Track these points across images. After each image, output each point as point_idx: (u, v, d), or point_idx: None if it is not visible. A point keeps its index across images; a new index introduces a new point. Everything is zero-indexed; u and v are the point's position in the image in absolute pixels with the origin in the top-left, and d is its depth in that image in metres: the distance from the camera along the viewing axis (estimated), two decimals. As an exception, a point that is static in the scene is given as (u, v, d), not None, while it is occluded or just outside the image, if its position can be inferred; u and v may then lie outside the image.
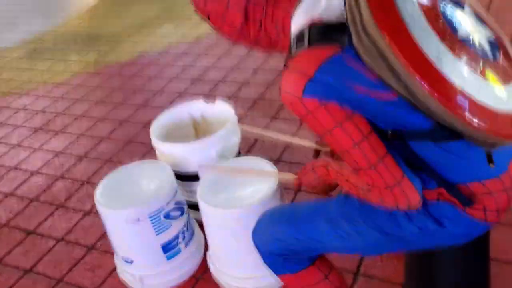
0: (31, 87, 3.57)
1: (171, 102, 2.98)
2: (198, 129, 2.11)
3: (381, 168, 0.96)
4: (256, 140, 2.42)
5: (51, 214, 2.28)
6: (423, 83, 0.84)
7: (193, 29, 3.95)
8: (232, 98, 2.84)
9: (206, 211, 1.58)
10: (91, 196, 2.29)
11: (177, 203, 1.72)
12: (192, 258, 1.82)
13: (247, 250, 1.58)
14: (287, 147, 2.35)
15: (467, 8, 1.00)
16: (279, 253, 1.23)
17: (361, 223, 1.15)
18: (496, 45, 0.98)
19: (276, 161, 2.25)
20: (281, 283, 1.53)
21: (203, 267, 1.83)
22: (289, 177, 1.32)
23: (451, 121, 0.88)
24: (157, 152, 1.98)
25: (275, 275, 1.30)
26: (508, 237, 1.68)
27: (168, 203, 1.68)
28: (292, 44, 1.00)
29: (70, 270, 1.96)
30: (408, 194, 0.97)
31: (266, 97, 2.81)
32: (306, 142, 1.41)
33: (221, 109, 2.05)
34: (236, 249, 1.61)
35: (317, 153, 1.44)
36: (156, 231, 1.67)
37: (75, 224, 2.19)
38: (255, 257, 1.59)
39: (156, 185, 1.71)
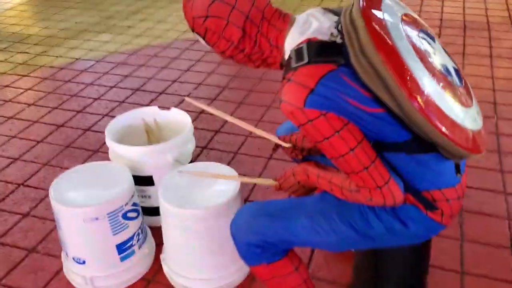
0: (-48, 85, 3.35)
1: (111, 110, 2.96)
2: (151, 135, 2.13)
3: (372, 170, 1.09)
4: (211, 139, 2.48)
5: (-17, 216, 2.16)
6: (412, 100, 0.99)
7: (133, 40, 3.95)
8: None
9: (168, 212, 1.61)
10: (28, 199, 2.24)
11: (134, 204, 1.74)
12: (144, 260, 1.83)
13: (206, 252, 1.65)
14: (243, 142, 2.44)
15: (437, 41, 1.18)
16: (256, 245, 1.31)
17: (336, 221, 1.27)
18: (459, 73, 1.17)
19: (235, 154, 2.33)
20: (244, 277, 1.60)
21: (154, 270, 1.85)
22: (269, 183, 1.41)
23: (431, 132, 1.03)
24: (111, 154, 1.97)
25: (248, 266, 1.37)
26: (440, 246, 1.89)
27: (126, 204, 1.69)
28: (292, 58, 1.10)
29: (8, 273, 1.87)
30: (394, 193, 1.12)
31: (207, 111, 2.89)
32: (268, 135, 1.49)
33: (176, 117, 2.10)
34: (195, 250, 1.65)
35: (276, 147, 1.56)
36: (113, 231, 1.67)
37: (12, 227, 2.09)
38: (212, 259, 1.67)
39: (113, 185, 1.71)
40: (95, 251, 1.69)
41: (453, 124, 1.05)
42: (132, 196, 1.72)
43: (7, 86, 3.31)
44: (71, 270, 1.77)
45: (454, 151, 1.07)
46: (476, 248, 1.89)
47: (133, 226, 1.74)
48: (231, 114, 2.85)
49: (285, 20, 1.18)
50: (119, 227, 1.68)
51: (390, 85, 1.00)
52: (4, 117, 2.94)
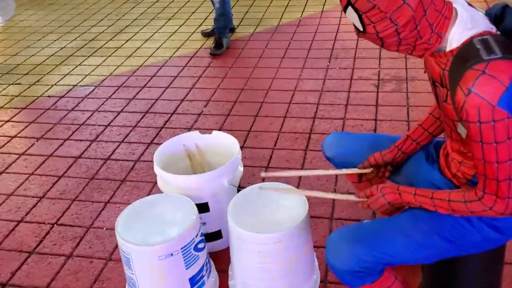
0: None
1: (125, 136, 2.90)
2: (193, 160, 2.11)
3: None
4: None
5: (24, 262, 2.07)
6: None
7: (126, 61, 3.87)
8: (192, 129, 2.86)
9: (243, 237, 1.60)
10: (66, 238, 2.17)
11: (201, 234, 1.71)
12: (214, 286, 1.80)
13: (281, 273, 1.65)
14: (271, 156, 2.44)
15: None
16: (358, 270, 1.32)
17: (432, 235, 1.30)
18: None
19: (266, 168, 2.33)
20: None
21: (221, 297, 1.83)
22: (352, 198, 1.42)
23: None
24: (160, 183, 1.93)
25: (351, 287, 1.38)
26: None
27: (197, 235, 1.66)
28: (479, 49, 1.06)
29: (70, 319, 1.81)
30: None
31: (225, 126, 2.87)
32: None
33: (217, 140, 2.08)
34: (271, 273, 1.64)
35: (360, 178, 1.58)
36: (186, 265, 1.64)
37: (59, 270, 2.02)
38: (287, 280, 1.67)
39: (180, 218, 1.68)
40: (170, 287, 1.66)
41: None
42: (200, 226, 1.70)
43: (8, 121, 3.19)
44: (141, 309, 1.72)
45: None
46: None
47: (202, 257, 1.71)
48: (250, 129, 2.84)
49: (449, 8, 1.13)
50: (191, 260, 1.65)
51: None
52: (15, 154, 2.83)
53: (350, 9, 1.12)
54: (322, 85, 3.24)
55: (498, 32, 1.13)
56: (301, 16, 4.41)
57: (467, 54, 1.09)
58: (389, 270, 1.39)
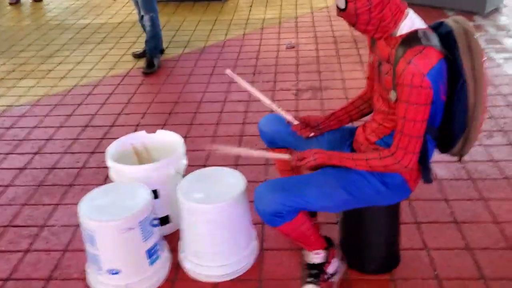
0: None
1: (68, 148, 3.08)
2: (140, 157, 2.37)
3: (419, 141, 1.54)
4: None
5: (-17, 260, 2.21)
6: (485, 92, 1.52)
7: (60, 82, 4.03)
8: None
9: (192, 209, 1.89)
10: (22, 237, 2.33)
11: (155, 213, 1.98)
12: (167, 262, 2.07)
13: (226, 239, 1.96)
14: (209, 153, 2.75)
15: None
16: (279, 212, 1.68)
17: (338, 188, 1.70)
18: None
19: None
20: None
21: (173, 271, 2.09)
22: (287, 157, 1.79)
23: (480, 101, 1.54)
24: (113, 175, 2.18)
25: (274, 228, 1.75)
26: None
27: (151, 212, 1.93)
28: (421, 37, 1.48)
29: (35, 301, 1.98)
30: (414, 162, 1.58)
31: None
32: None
33: (163, 137, 2.36)
34: (217, 240, 1.95)
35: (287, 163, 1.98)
36: (143, 238, 1.90)
37: (18, 263, 2.18)
38: (231, 245, 1.98)
39: (136, 199, 1.93)
40: (129, 259, 1.90)
41: None
42: (153, 206, 1.96)
43: None
44: (104, 284, 1.94)
45: (471, 137, 1.60)
46: (420, 203, 2.42)
47: (157, 232, 1.98)
48: (185, 136, 3.14)
49: (404, 5, 1.55)
50: (148, 234, 1.91)
51: (479, 74, 1.50)
52: (-42, 169, 2.91)
53: None
54: (249, 96, 3.62)
55: (434, 33, 1.57)
56: (225, 39, 4.81)
57: (412, 39, 1.51)
58: (303, 213, 1.76)
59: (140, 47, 4.53)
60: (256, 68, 4.09)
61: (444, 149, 1.74)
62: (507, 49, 4.29)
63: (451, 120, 1.61)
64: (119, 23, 5.46)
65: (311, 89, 3.68)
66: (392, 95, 1.56)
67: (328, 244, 1.92)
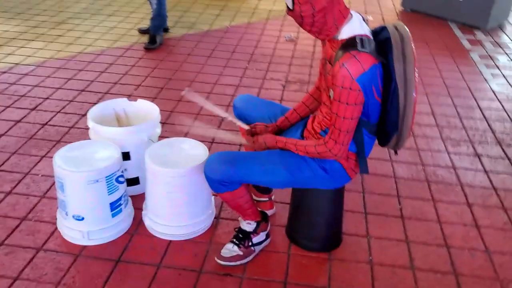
0: None
1: (62, 108, 3.31)
2: (121, 122, 2.58)
3: (348, 135, 1.74)
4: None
5: (-32, 196, 2.45)
6: (415, 95, 1.70)
7: (66, 48, 4.26)
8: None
9: (156, 172, 2.10)
10: (6, 181, 2.57)
11: (122, 171, 2.20)
12: (128, 217, 2.29)
13: (184, 202, 2.16)
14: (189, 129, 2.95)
15: None
16: (223, 181, 1.89)
17: (279, 167, 1.89)
18: None
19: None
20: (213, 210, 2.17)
21: (134, 226, 2.30)
22: (240, 141, 2.00)
23: (409, 111, 1.72)
24: (91, 135, 2.40)
25: (216, 193, 1.97)
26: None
27: (118, 170, 2.15)
28: (357, 43, 1.64)
29: (8, 236, 2.21)
30: (343, 152, 1.78)
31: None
32: (243, 125, 2.08)
33: (142, 106, 2.57)
34: (176, 202, 2.16)
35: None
36: (108, 191, 2.12)
37: (-2, 203, 2.41)
38: (188, 208, 2.18)
39: (105, 156, 2.15)
40: (93, 209, 2.12)
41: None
42: (121, 165, 2.18)
43: (-49, 88, 3.49)
44: (69, 228, 2.17)
45: (402, 135, 1.78)
46: (373, 197, 2.61)
47: (122, 189, 2.19)
48: (171, 111, 3.34)
49: (347, 11, 1.70)
50: (113, 188, 2.13)
51: (410, 78, 1.67)
52: (-42, 115, 3.16)
53: None
54: (239, 82, 3.82)
55: (372, 39, 1.72)
56: (229, 25, 5.00)
57: (349, 44, 1.67)
58: (244, 185, 1.97)
59: (147, 23, 4.74)
60: (252, 56, 4.28)
61: (382, 143, 1.93)
62: (499, 65, 4.44)
63: (387, 119, 1.80)
64: (133, -2, 5.67)
65: (300, 82, 3.87)
66: (331, 93, 1.75)
67: (262, 218, 2.13)
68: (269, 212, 2.38)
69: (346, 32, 1.71)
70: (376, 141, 1.97)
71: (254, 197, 2.37)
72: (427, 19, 5.52)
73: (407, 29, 1.74)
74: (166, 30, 4.68)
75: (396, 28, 1.74)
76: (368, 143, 1.89)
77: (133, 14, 5.16)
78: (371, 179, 2.75)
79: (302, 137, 2.05)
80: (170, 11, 5.20)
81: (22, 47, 4.25)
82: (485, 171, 2.90)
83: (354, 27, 1.71)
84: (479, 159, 3.02)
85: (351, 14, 1.74)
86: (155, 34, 4.34)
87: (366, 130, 1.84)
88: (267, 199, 2.38)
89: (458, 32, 5.18)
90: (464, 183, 2.79)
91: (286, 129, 2.13)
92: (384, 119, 1.81)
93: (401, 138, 1.83)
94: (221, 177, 1.87)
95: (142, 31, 4.64)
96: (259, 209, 2.21)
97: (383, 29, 1.77)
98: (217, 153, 1.96)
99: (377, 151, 2.96)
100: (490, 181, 2.82)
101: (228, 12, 5.36)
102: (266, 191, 2.37)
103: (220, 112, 2.15)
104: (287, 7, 1.71)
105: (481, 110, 3.63)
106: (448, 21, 5.44)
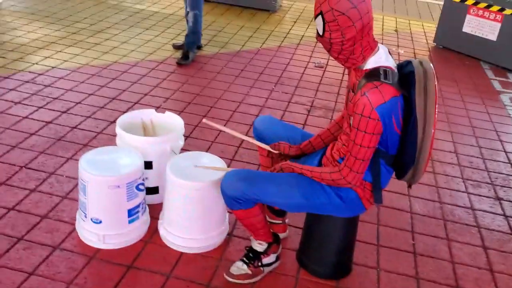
0: None
1: (93, 113, 3.42)
2: (147, 132, 2.66)
3: (363, 163, 1.76)
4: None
5: (-6, 190, 2.55)
6: (433, 130, 1.72)
7: (102, 56, 4.41)
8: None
9: (174, 183, 2.16)
10: (32, 178, 2.66)
11: (143, 179, 2.26)
12: (144, 225, 2.34)
13: (198, 216, 2.21)
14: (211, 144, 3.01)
15: None
16: (238, 198, 1.92)
17: (295, 191, 1.92)
18: None
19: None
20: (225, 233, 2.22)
21: (149, 234, 2.36)
22: (267, 148, 2.14)
23: (425, 148, 1.75)
24: (118, 142, 2.48)
25: (231, 210, 2.00)
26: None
27: (139, 178, 2.21)
28: (381, 74, 1.68)
29: (28, 231, 2.29)
30: (357, 180, 1.80)
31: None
32: (264, 145, 2.14)
33: (169, 118, 2.65)
34: (190, 214, 2.21)
35: (268, 153, 2.20)
36: (128, 198, 2.18)
37: (23, 199, 2.50)
38: (202, 222, 2.23)
39: (129, 163, 2.22)
40: (111, 213, 2.19)
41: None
42: (143, 173, 2.25)
43: (-11, 85, 3.65)
44: (86, 229, 2.23)
45: (419, 168, 1.79)
46: (387, 230, 2.61)
47: (140, 197, 2.25)
48: (196, 125, 3.42)
49: (375, 43, 1.76)
50: (132, 195, 2.19)
51: (430, 112, 1.71)
52: (-6, 111, 3.30)
53: (320, 17, 1.68)
54: (264, 102, 3.88)
55: (396, 71, 1.77)
56: (260, 47, 5.10)
57: (373, 74, 1.72)
58: (259, 205, 2.00)
59: (182, 39, 4.87)
60: (280, 79, 4.35)
61: (398, 176, 1.95)
62: (527, 111, 4.40)
63: (404, 151, 1.82)
64: (171, 14, 5.83)
65: (325, 108, 3.91)
66: (350, 120, 1.78)
67: (273, 240, 2.15)
68: (282, 235, 2.40)
69: (371, 63, 1.75)
70: (394, 174, 1.99)
71: (268, 219, 2.40)
72: (459, 57, 5.52)
73: (431, 65, 1.78)
74: (199, 47, 4.80)
75: (421, 63, 1.78)
76: (385, 174, 1.91)
77: (169, 30, 5.31)
78: (387, 212, 2.75)
79: (320, 163, 2.08)
80: (205, 30, 5.35)
81: (60, 51, 4.42)
82: (505, 216, 2.87)
83: (380, 58, 1.76)
84: (500, 203, 2.99)
85: (378, 47, 1.78)
86: (189, 50, 4.46)
87: (384, 160, 1.86)
88: (280, 221, 2.41)
89: (489, 73, 5.16)
90: (481, 225, 2.76)
91: (308, 153, 2.17)
92: (402, 151, 1.84)
93: (417, 172, 1.85)
94: (236, 194, 1.92)
95: (176, 47, 4.77)
96: (272, 231, 2.24)
97: (408, 63, 1.81)
98: (236, 170, 2.00)
99: (395, 185, 2.97)
100: (510, 226, 2.79)
101: (261, 35, 5.47)
102: (280, 214, 2.40)
103: (239, 135, 2.22)
104: (317, 32, 1.76)
105: (506, 154, 3.59)
106: (480, 61, 5.43)
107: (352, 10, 1.64)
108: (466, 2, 5.45)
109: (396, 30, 6.21)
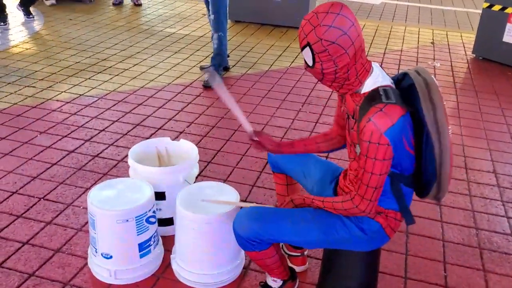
0: (-34, 111, 3.73)
1: (115, 141, 3.41)
2: (162, 160, 2.60)
3: (376, 191, 1.61)
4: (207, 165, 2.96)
5: (12, 223, 2.54)
6: (449, 140, 1.58)
7: (130, 82, 4.44)
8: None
9: (185, 216, 2.08)
10: (49, 210, 2.64)
11: (154, 211, 2.19)
12: (157, 259, 2.26)
13: (210, 250, 2.11)
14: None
15: None
16: (252, 240, 1.80)
17: (312, 227, 1.79)
18: None
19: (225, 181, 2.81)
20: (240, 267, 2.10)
21: (162, 269, 2.28)
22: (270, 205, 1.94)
23: (446, 158, 1.59)
24: (131, 172, 2.43)
25: (244, 251, 1.87)
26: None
27: (150, 210, 2.14)
28: (382, 95, 1.55)
29: (40, 267, 2.26)
30: (371, 207, 1.65)
31: (200, 144, 3.38)
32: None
33: (184, 147, 2.58)
34: (202, 249, 2.11)
35: (284, 181, 2.13)
36: (138, 231, 2.11)
37: (38, 232, 2.48)
38: (214, 257, 2.13)
39: (139, 195, 2.16)
40: (121, 248, 2.12)
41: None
42: (153, 205, 2.18)
43: (19, 115, 3.72)
44: (97, 265, 2.18)
45: (443, 183, 1.64)
46: (416, 260, 2.42)
47: (152, 230, 2.18)
48: (219, 150, 3.34)
49: (369, 64, 1.63)
50: (142, 229, 2.12)
51: (441, 123, 1.56)
52: (20, 142, 3.34)
53: (307, 49, 1.55)
54: (290, 124, 3.77)
55: (394, 87, 1.64)
56: (289, 66, 5.01)
57: (373, 96, 1.58)
58: (274, 246, 1.87)
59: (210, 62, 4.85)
60: (308, 99, 4.23)
61: (420, 195, 1.78)
62: None
63: (423, 168, 1.67)
64: (200, 36, 5.85)
65: (353, 128, 3.75)
66: (357, 149, 1.64)
67: (289, 277, 2.02)
68: (301, 268, 2.27)
69: (369, 85, 1.62)
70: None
71: (286, 251, 2.27)
72: (500, 68, 5.23)
73: (430, 73, 1.63)
74: (226, 69, 4.76)
75: (417, 73, 1.63)
76: (407, 194, 1.76)
77: (198, 52, 5.31)
78: (416, 239, 2.56)
79: (335, 193, 1.95)
80: (234, 51, 5.32)
81: (88, 78, 4.48)
82: (550, 243, 2.62)
83: (377, 78, 1.62)
84: (544, 228, 2.74)
85: (372, 67, 1.65)
86: (215, 72, 4.42)
87: (402, 183, 1.71)
88: (299, 254, 2.28)
89: (533, 84, 4.85)
90: (523, 254, 2.53)
91: (286, 152, 2.04)
92: (420, 169, 1.68)
93: (441, 188, 1.68)
94: (249, 235, 1.80)
95: (203, 69, 4.74)
96: (289, 264, 2.11)
97: (404, 75, 1.67)
98: (248, 208, 1.89)
99: (425, 210, 2.78)
100: (555, 254, 2.54)
101: (291, 53, 5.37)
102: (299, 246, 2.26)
103: (243, 121, 1.99)
104: (305, 63, 1.63)
105: (551, 173, 3.32)
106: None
107: (343, 37, 1.51)
108: (506, 11, 5.17)
109: (432, 42, 5.98)
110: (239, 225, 1.82)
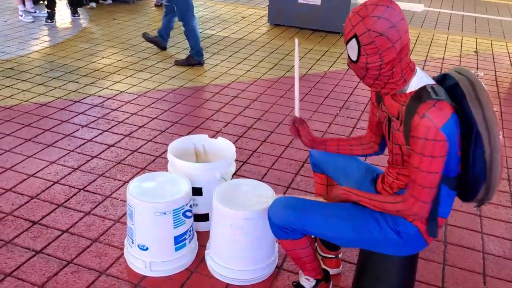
0: (13, 103, 3.86)
1: (154, 137, 3.47)
2: (199, 157, 2.63)
3: (432, 191, 1.55)
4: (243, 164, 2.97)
5: (53, 211, 2.61)
6: (500, 139, 1.53)
7: (169, 81, 4.51)
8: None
9: (222, 212, 2.08)
10: (88, 201, 2.70)
11: (191, 206, 2.21)
12: (191, 253, 2.28)
13: (247, 246, 2.11)
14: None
15: None
16: (285, 228, 1.80)
17: (345, 223, 1.76)
18: None
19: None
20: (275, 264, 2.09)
21: (196, 263, 2.29)
22: (320, 200, 1.92)
23: (495, 157, 1.53)
24: (169, 167, 2.46)
25: (277, 239, 1.88)
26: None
27: (187, 204, 2.16)
28: (430, 92, 1.51)
29: (78, 255, 2.31)
30: (426, 210, 1.59)
31: (236, 144, 3.39)
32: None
33: (221, 144, 2.60)
34: (239, 245, 2.11)
35: (325, 181, 2.13)
36: (174, 225, 2.13)
37: (77, 222, 2.54)
38: (250, 253, 2.12)
39: (177, 189, 2.18)
40: (157, 240, 2.15)
41: None
42: (190, 199, 2.20)
43: (62, 109, 3.83)
44: (133, 256, 2.21)
45: (492, 185, 1.58)
46: (455, 271, 2.35)
47: (188, 224, 2.20)
48: (255, 150, 3.35)
49: (413, 64, 1.61)
50: (179, 222, 2.14)
51: (491, 123, 1.52)
52: (62, 134, 3.44)
53: (353, 41, 1.52)
54: (327, 128, 3.74)
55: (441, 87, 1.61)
56: (328, 70, 4.98)
57: (422, 94, 1.55)
58: (307, 237, 1.86)
59: (249, 66, 4.87)
60: (345, 103, 4.19)
61: (465, 199, 1.73)
62: None
63: (471, 169, 1.61)
64: (239, 39, 5.89)
65: (392, 134, 3.69)
66: (400, 150, 1.61)
67: (322, 277, 1.99)
68: (334, 271, 2.24)
69: (414, 84, 1.58)
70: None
71: (320, 253, 2.25)
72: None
73: (471, 72, 1.59)
74: (200, 63, 4.75)
75: (459, 72, 1.59)
76: (446, 201, 1.70)
77: (236, 54, 5.35)
78: (455, 250, 2.49)
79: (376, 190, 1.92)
80: (272, 53, 5.34)
81: (130, 76, 4.57)
82: None
83: (422, 78, 1.60)
84: None
85: (416, 68, 1.62)
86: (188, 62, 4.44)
87: (446, 186, 1.66)
88: (333, 256, 2.25)
89: None
90: None
91: (318, 148, 2.03)
92: (467, 171, 1.62)
93: (491, 189, 1.61)
94: (282, 223, 1.80)
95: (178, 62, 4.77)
96: (323, 266, 2.08)
97: (445, 76, 1.64)
98: (284, 197, 1.89)
99: (466, 220, 2.71)
100: None
101: (329, 58, 5.35)
102: (333, 247, 2.24)
103: (297, 102, 1.98)
104: (349, 58, 1.60)
105: None
106: None
107: (391, 30, 1.48)
108: (555, 20, 4.99)
109: (476, 52, 5.84)
110: (274, 212, 1.83)
